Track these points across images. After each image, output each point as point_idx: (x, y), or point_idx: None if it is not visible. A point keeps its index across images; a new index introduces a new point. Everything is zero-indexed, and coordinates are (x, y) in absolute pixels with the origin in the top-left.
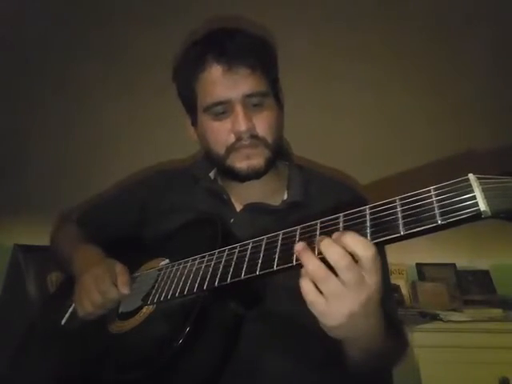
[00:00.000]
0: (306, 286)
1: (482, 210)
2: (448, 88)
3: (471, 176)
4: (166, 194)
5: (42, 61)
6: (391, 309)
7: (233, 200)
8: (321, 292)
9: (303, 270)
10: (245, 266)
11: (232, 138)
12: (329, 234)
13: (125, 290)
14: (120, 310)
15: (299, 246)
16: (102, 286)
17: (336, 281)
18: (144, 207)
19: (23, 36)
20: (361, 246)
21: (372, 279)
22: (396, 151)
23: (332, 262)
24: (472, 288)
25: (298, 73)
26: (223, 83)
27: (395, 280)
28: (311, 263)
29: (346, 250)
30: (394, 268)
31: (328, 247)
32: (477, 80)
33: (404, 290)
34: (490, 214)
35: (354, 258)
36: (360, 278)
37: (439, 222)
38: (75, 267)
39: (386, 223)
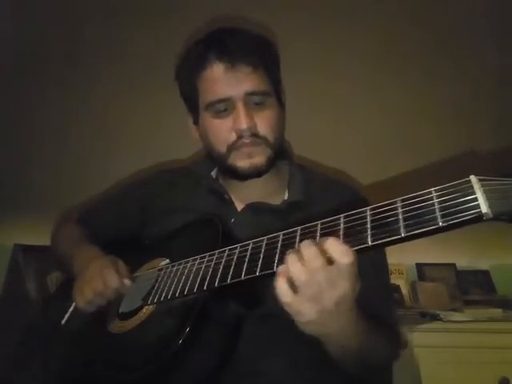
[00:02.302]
0: (282, 287)
1: (483, 212)
2: (449, 88)
3: (473, 178)
4: (167, 193)
5: (42, 60)
6: (386, 310)
7: (234, 199)
8: (294, 290)
9: (279, 270)
10: (245, 267)
11: (233, 136)
12: (329, 234)
13: (126, 280)
14: (120, 310)
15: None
16: (106, 273)
17: (312, 280)
18: (145, 207)
19: (23, 36)
20: (339, 252)
21: (346, 282)
22: (397, 152)
23: (306, 261)
24: (472, 288)
25: (298, 73)
26: (225, 81)
27: (395, 280)
28: (294, 265)
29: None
30: (394, 268)
31: (305, 247)
32: (479, 80)
33: (404, 290)
34: (491, 216)
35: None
36: (332, 278)
37: (440, 224)
38: (75, 267)
39: (386, 225)
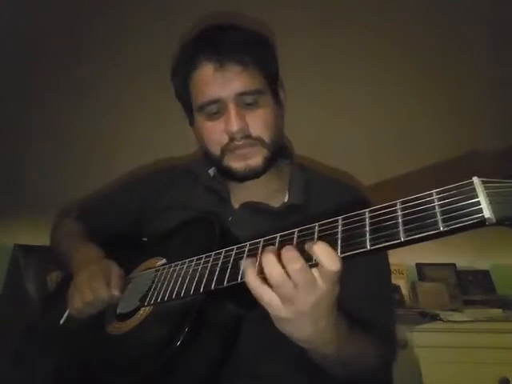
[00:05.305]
0: (251, 280)
1: (486, 216)
2: (451, 88)
3: (476, 179)
4: (165, 191)
5: (42, 60)
6: (381, 314)
7: (232, 198)
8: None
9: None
10: (241, 269)
11: (225, 139)
12: (326, 236)
13: (115, 291)
14: (118, 311)
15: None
16: (94, 284)
17: (290, 284)
18: (143, 205)
19: (23, 36)
20: (328, 259)
21: (325, 285)
22: (397, 152)
23: (284, 262)
24: (472, 288)
25: (299, 72)
26: (214, 82)
27: (395, 280)
28: (270, 268)
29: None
30: (394, 268)
31: (285, 252)
32: (480, 80)
33: (404, 290)
34: (494, 221)
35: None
36: (312, 280)
37: (441, 228)
38: (73, 265)
39: (386, 228)
